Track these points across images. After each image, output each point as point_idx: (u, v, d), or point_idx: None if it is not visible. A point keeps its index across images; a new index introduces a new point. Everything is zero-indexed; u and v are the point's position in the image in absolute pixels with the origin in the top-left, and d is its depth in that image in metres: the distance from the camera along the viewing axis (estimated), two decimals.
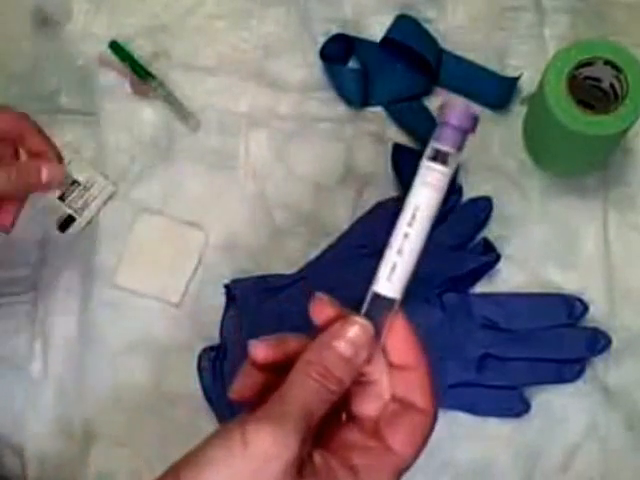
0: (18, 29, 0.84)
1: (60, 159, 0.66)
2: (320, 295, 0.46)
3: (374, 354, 0.45)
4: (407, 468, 0.44)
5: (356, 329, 0.44)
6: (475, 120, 0.44)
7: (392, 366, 0.46)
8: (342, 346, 0.44)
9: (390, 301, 0.45)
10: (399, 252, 0.45)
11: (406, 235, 0.45)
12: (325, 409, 0.43)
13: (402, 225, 0.45)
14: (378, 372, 0.46)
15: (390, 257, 0.45)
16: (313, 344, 0.44)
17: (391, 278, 0.45)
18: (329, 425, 0.45)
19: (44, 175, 0.64)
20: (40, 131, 0.66)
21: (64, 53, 0.83)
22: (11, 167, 0.63)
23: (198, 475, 0.41)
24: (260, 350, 0.46)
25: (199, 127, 0.81)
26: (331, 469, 0.43)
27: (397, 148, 0.78)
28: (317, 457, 0.43)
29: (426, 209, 0.45)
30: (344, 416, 0.47)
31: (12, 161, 0.66)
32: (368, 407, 0.46)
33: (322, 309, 0.46)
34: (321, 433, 0.44)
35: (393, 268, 0.45)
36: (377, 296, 0.45)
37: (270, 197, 0.79)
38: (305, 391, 0.43)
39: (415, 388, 0.45)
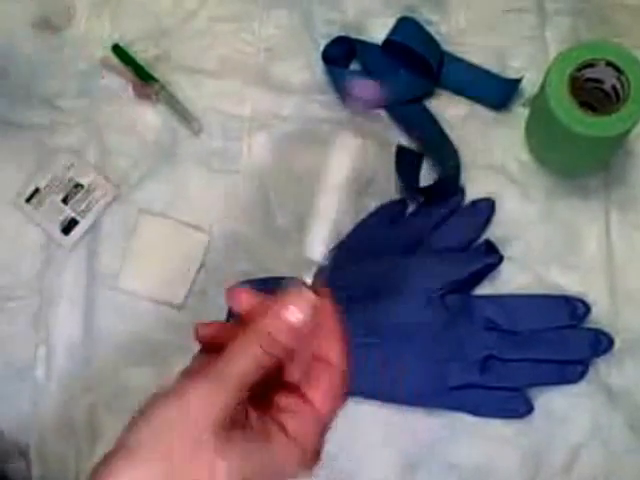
0: (20, 32, 0.84)
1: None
2: (235, 286, 0.51)
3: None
4: (329, 422, 0.49)
5: (301, 300, 0.48)
6: (375, 90, 0.48)
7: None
8: (288, 315, 0.47)
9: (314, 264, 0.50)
10: (316, 216, 0.50)
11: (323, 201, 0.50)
12: (263, 373, 0.46)
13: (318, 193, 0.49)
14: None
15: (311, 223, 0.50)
16: (262, 313, 0.48)
17: (312, 242, 0.50)
18: (268, 390, 0.49)
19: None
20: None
21: (66, 56, 0.83)
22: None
23: (140, 418, 0.45)
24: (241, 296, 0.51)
25: (202, 130, 0.81)
26: (266, 429, 0.46)
27: (401, 150, 0.78)
28: (253, 418, 0.47)
29: (338, 174, 0.50)
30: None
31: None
32: (297, 374, 0.50)
33: (241, 298, 0.50)
34: (261, 397, 0.48)
35: (314, 232, 0.50)
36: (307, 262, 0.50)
37: (272, 199, 0.79)
38: (247, 356, 0.46)
39: (330, 347, 0.49)
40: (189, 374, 0.47)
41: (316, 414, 0.49)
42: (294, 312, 0.48)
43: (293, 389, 0.50)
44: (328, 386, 0.49)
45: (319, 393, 0.49)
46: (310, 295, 0.48)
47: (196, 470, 0.43)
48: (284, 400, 0.49)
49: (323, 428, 0.49)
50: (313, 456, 0.48)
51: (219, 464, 0.43)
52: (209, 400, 0.44)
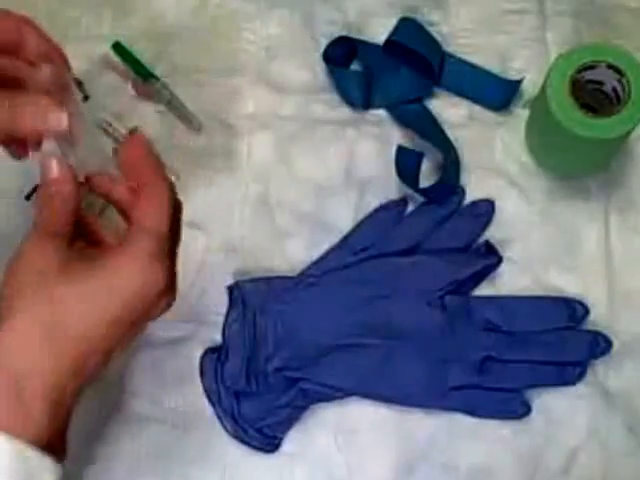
0: None
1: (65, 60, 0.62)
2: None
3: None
4: (165, 238, 0.55)
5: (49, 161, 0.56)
6: None
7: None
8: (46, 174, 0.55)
9: None
10: None
11: None
12: (71, 213, 0.55)
13: None
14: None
15: None
16: None
17: None
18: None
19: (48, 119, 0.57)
20: (42, 31, 0.60)
21: (66, 54, 0.83)
22: (6, 97, 0.56)
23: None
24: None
25: (202, 129, 0.81)
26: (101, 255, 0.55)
27: (401, 150, 0.78)
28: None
29: None
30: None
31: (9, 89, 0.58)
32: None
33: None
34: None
35: None
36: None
37: (273, 199, 0.79)
38: (48, 214, 0.55)
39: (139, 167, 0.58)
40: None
41: (151, 234, 0.54)
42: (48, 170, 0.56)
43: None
44: (151, 200, 0.56)
45: (147, 210, 0.56)
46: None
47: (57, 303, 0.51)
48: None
49: (160, 244, 0.54)
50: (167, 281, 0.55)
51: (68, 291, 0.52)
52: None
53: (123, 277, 0.53)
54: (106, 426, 0.75)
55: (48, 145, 0.56)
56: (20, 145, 0.61)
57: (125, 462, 0.74)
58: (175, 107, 0.81)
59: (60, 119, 0.56)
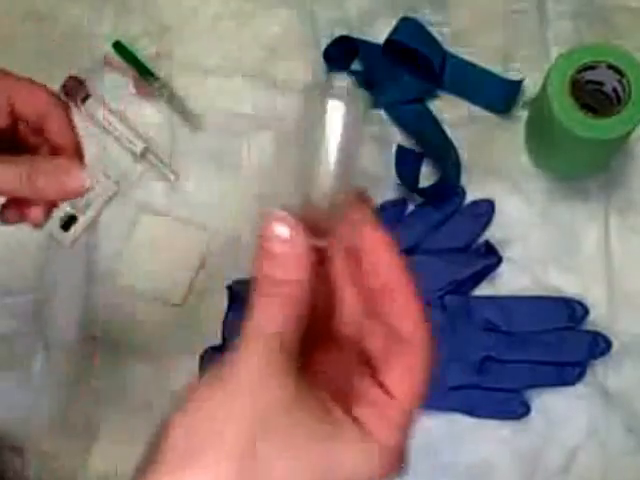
0: (21, 29, 0.84)
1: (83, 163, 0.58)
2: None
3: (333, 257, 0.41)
4: (410, 418, 0.40)
5: (267, 223, 0.39)
6: None
7: (371, 286, 0.41)
8: (267, 246, 0.39)
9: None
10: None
11: None
12: (297, 320, 0.38)
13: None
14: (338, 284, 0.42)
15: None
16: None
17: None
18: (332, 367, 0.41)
19: (67, 183, 0.55)
20: (70, 122, 0.57)
21: (68, 53, 0.83)
22: (25, 164, 0.53)
23: (181, 416, 0.39)
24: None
25: (201, 127, 0.81)
26: (337, 420, 0.38)
27: (401, 150, 0.78)
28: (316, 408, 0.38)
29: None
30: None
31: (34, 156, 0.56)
32: (345, 328, 0.42)
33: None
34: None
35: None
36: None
37: (272, 198, 0.79)
38: (264, 312, 0.38)
39: (400, 312, 0.40)
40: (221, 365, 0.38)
41: (395, 405, 0.39)
42: (269, 240, 0.39)
43: (368, 373, 0.40)
44: (406, 368, 0.39)
45: (396, 377, 0.39)
46: (277, 215, 0.39)
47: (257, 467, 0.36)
48: (358, 388, 0.40)
49: (406, 422, 0.40)
50: (396, 459, 0.40)
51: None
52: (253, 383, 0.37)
53: (358, 466, 0.38)
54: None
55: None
56: (18, 208, 0.56)
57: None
58: (175, 106, 0.81)
59: (82, 179, 0.54)
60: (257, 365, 0.37)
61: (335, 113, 0.38)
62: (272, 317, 0.38)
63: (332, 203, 0.39)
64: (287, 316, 0.38)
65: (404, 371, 0.39)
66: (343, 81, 0.39)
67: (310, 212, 0.39)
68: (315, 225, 0.39)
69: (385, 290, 0.40)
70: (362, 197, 0.41)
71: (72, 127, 0.58)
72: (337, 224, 0.39)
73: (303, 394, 0.38)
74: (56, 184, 0.54)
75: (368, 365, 0.41)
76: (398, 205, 0.78)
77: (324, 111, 0.38)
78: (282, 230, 0.38)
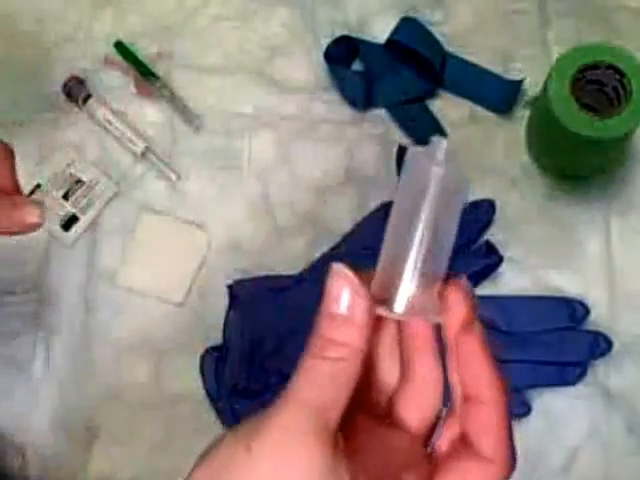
0: (22, 28, 0.84)
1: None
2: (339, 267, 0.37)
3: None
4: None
5: (333, 281, 0.36)
6: None
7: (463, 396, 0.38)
8: (329, 305, 0.36)
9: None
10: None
11: None
12: (344, 389, 0.36)
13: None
14: (421, 371, 0.39)
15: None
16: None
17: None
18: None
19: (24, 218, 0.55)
20: (12, 166, 0.58)
21: (68, 53, 0.83)
22: None
23: None
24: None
25: (202, 127, 0.81)
26: None
27: (402, 150, 0.78)
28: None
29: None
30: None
31: None
32: (412, 413, 0.40)
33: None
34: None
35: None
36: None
37: (273, 198, 0.79)
38: (311, 375, 0.36)
39: (483, 429, 0.37)
40: (250, 431, 0.36)
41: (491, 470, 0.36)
42: (332, 300, 0.36)
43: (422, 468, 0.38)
44: (489, 429, 0.37)
45: (484, 439, 0.37)
46: (344, 275, 0.36)
47: None
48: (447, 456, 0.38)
49: None
50: None
51: None
52: (289, 456, 0.34)
53: None
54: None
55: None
56: None
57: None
58: (176, 106, 0.81)
59: (36, 215, 0.54)
60: (288, 436, 0.35)
61: (436, 180, 0.36)
62: (318, 389, 0.35)
63: (414, 274, 0.37)
64: (335, 390, 0.36)
65: (489, 430, 0.37)
66: (444, 146, 0.37)
67: (388, 277, 0.37)
68: (388, 292, 0.37)
69: (469, 398, 0.37)
70: (458, 283, 0.37)
71: (13, 170, 0.58)
72: (416, 298, 0.37)
73: (335, 470, 0.35)
74: (11, 220, 0.54)
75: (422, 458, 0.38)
76: None
77: (426, 175, 0.36)
78: (344, 289, 0.36)
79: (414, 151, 0.37)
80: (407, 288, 0.37)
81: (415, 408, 0.40)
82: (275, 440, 0.35)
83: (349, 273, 0.36)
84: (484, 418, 0.37)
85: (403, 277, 0.37)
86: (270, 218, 0.79)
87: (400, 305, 0.37)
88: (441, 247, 0.37)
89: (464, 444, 0.37)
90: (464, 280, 0.38)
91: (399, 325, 0.39)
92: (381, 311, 0.36)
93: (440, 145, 0.37)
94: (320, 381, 0.35)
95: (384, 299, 0.37)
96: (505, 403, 0.37)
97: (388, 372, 0.40)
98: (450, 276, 0.38)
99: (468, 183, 0.38)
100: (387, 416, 0.40)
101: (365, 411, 0.38)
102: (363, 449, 0.37)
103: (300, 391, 0.35)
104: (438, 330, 0.38)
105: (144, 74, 0.81)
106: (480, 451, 0.36)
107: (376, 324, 0.38)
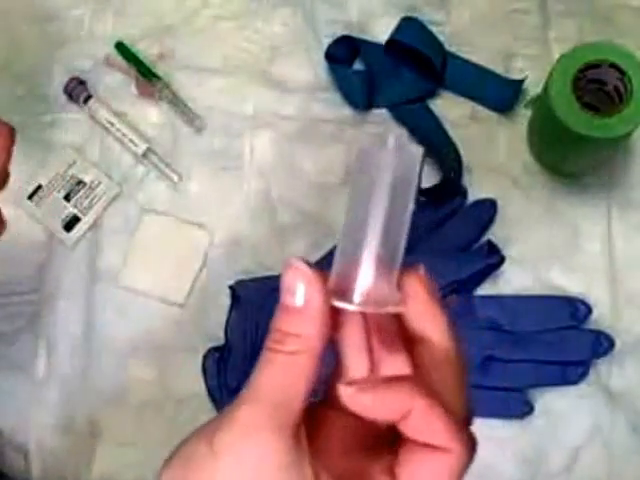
0: (23, 29, 0.84)
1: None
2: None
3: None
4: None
5: (289, 273, 0.36)
6: None
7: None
8: (284, 298, 0.36)
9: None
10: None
11: None
12: (301, 382, 0.36)
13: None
14: (388, 368, 0.39)
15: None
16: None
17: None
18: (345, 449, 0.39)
19: None
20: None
21: (69, 53, 0.83)
22: None
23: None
24: None
25: (204, 128, 0.81)
26: None
27: None
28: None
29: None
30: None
31: None
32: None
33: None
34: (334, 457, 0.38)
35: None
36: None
37: (274, 198, 0.79)
38: (267, 369, 0.36)
39: (433, 420, 0.37)
40: (213, 429, 0.36)
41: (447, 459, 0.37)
42: (287, 293, 0.37)
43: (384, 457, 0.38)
44: (431, 474, 0.38)
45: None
46: (299, 267, 0.36)
47: None
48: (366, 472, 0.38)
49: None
50: None
51: None
52: (250, 450, 0.35)
53: None
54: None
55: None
56: None
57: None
58: (177, 106, 0.81)
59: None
60: (246, 431, 0.35)
61: (387, 169, 0.37)
62: (274, 383, 0.36)
63: (370, 264, 0.37)
64: (291, 383, 0.35)
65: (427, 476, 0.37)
66: (400, 135, 0.37)
67: (345, 269, 0.37)
68: (346, 284, 0.37)
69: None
70: (416, 273, 0.39)
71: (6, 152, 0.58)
72: (374, 289, 0.37)
73: (296, 465, 0.35)
74: None
75: (385, 446, 0.38)
76: None
77: (377, 166, 0.37)
78: (298, 282, 0.36)
79: (365, 145, 0.38)
80: (364, 278, 0.36)
81: None
82: (234, 436, 0.35)
83: (304, 266, 0.36)
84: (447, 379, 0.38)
85: (360, 268, 0.36)
86: (271, 218, 0.79)
87: (357, 296, 0.36)
88: (397, 235, 0.38)
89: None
90: (422, 269, 0.39)
91: (365, 318, 0.39)
92: (338, 303, 0.36)
93: (390, 135, 0.37)
94: (275, 375, 0.36)
95: (342, 291, 0.36)
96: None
97: (357, 368, 0.39)
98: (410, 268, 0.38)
99: (418, 170, 0.38)
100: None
101: (335, 407, 0.38)
102: (329, 444, 0.37)
103: (257, 385, 0.36)
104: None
105: (145, 75, 0.81)
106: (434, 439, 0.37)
107: (341, 318, 0.38)
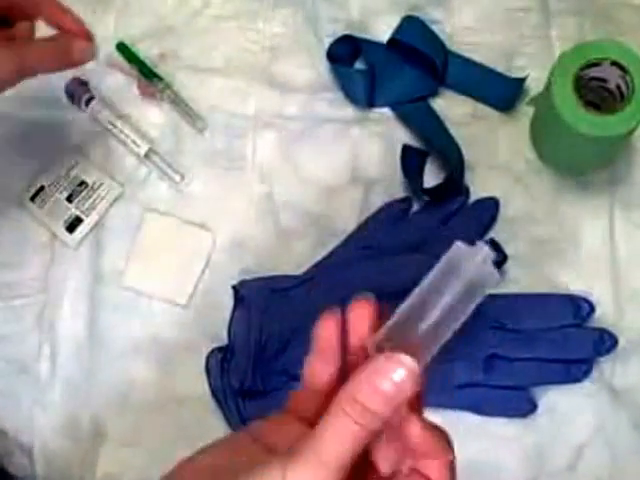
0: None
1: (88, 35, 0.67)
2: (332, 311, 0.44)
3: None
4: None
5: (401, 371, 0.40)
6: None
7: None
8: (383, 384, 0.40)
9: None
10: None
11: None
12: (361, 447, 0.40)
13: None
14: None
15: None
16: (351, 380, 0.41)
17: None
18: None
19: (75, 54, 0.65)
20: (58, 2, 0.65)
21: None
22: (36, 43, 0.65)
23: None
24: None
25: (206, 128, 0.81)
26: None
27: (406, 149, 0.78)
28: None
29: None
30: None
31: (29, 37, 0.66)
32: (385, 460, 0.45)
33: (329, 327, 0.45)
34: None
35: None
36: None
37: (277, 198, 0.79)
38: (342, 431, 0.40)
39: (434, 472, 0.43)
40: (284, 463, 0.40)
41: None
42: (387, 379, 0.40)
43: None
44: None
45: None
46: (406, 360, 0.40)
47: None
48: None
49: None
50: None
51: None
52: None
53: None
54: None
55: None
56: None
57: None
58: (179, 107, 0.81)
59: (83, 47, 0.65)
60: None
61: (466, 277, 0.42)
62: (341, 450, 0.40)
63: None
64: (355, 452, 0.40)
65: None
66: (489, 254, 0.43)
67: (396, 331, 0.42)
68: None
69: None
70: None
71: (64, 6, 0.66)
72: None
73: None
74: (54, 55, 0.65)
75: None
76: (402, 204, 0.78)
77: (460, 273, 0.42)
78: (401, 375, 0.40)
79: (460, 246, 0.43)
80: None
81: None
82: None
83: (409, 360, 0.40)
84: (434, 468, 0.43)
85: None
86: (274, 218, 0.79)
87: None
88: (445, 329, 0.42)
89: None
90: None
91: None
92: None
93: (482, 250, 0.42)
94: (346, 442, 0.40)
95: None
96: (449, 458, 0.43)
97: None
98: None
99: (493, 285, 0.43)
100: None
101: None
102: None
103: (319, 453, 0.40)
104: None
105: (146, 75, 0.81)
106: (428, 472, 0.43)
107: None
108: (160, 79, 0.81)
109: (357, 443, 0.40)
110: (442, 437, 0.44)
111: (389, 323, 0.42)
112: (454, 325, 0.42)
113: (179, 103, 0.81)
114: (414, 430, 0.42)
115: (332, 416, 0.40)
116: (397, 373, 0.40)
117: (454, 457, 0.44)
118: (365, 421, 0.40)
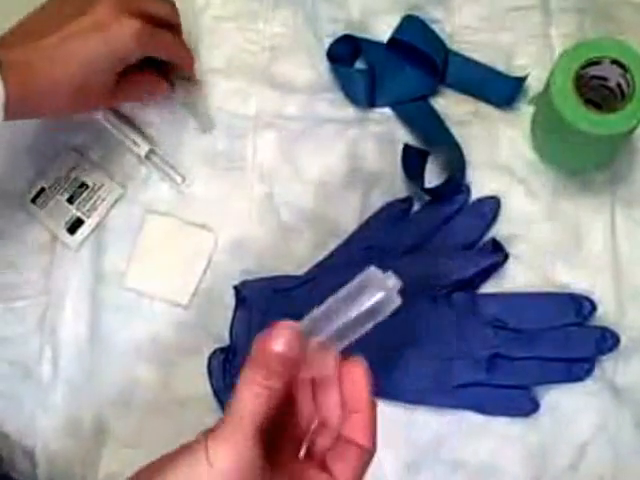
0: None
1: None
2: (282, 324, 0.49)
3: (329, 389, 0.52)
4: None
5: (287, 332, 0.48)
6: None
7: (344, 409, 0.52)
8: (275, 345, 0.48)
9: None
10: None
11: None
12: (270, 407, 0.48)
13: None
14: (334, 413, 0.52)
15: None
16: (253, 349, 0.48)
17: None
18: (290, 459, 0.51)
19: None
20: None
21: None
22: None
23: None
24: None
25: (214, 128, 0.81)
26: None
27: (407, 149, 0.78)
28: None
29: None
30: (302, 453, 0.52)
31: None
32: (321, 444, 0.52)
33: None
34: (283, 465, 0.50)
35: None
36: None
37: (278, 198, 0.79)
38: (251, 397, 0.47)
39: (360, 429, 0.51)
40: (205, 441, 0.49)
41: None
42: (278, 342, 0.48)
43: (319, 463, 0.51)
44: (354, 468, 0.51)
45: (345, 470, 0.51)
46: (291, 324, 0.49)
47: None
48: (308, 472, 0.51)
49: None
50: None
51: None
52: (238, 459, 0.47)
53: None
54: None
55: None
56: None
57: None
58: (186, 106, 0.81)
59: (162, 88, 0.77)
60: (231, 462, 0.47)
61: (374, 302, 0.49)
62: (252, 410, 0.47)
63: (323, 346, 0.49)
64: (265, 411, 0.47)
65: (353, 466, 0.51)
66: (397, 284, 0.49)
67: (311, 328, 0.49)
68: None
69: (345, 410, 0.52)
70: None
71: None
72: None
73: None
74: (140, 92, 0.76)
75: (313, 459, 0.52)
76: (403, 203, 0.78)
77: (367, 296, 0.49)
78: (286, 335, 0.49)
79: (374, 272, 0.49)
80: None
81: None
82: (225, 451, 0.47)
83: (290, 323, 0.49)
84: (360, 422, 0.52)
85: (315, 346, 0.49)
86: (275, 218, 0.79)
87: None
88: (347, 334, 0.50)
89: (345, 441, 0.51)
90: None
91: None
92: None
93: (390, 279, 0.49)
94: (258, 407, 0.48)
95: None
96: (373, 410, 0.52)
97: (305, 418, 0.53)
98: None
99: (392, 310, 0.49)
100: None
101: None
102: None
103: (239, 414, 0.48)
104: None
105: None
106: (358, 442, 0.51)
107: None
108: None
109: (265, 402, 0.47)
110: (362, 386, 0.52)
111: (304, 320, 0.50)
112: (352, 336, 0.50)
113: (188, 102, 0.81)
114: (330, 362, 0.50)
115: (241, 384, 0.48)
116: (284, 336, 0.48)
117: (376, 404, 0.52)
118: (268, 382, 0.47)
